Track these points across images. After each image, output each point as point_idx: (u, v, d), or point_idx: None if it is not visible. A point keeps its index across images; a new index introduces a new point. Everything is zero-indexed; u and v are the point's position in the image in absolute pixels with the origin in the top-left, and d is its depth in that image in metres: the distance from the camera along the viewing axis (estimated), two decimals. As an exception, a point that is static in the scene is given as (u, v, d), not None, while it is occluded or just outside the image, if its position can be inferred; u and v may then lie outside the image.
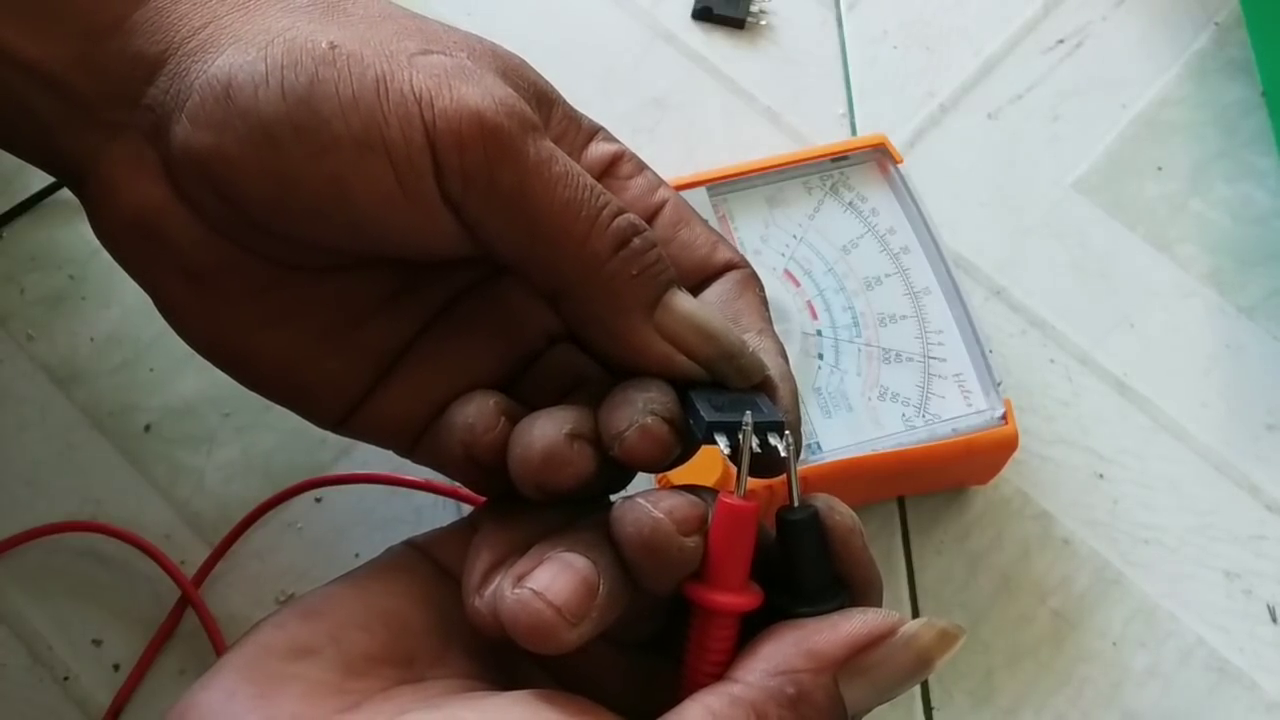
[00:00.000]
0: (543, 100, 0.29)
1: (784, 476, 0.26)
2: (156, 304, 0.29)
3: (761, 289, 0.31)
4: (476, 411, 0.27)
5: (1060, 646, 0.38)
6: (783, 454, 0.26)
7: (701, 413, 0.26)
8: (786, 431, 0.26)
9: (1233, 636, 0.38)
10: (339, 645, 0.25)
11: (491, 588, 0.25)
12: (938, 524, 0.40)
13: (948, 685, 0.37)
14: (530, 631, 0.24)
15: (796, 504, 0.26)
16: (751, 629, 0.25)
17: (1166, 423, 0.41)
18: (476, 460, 0.27)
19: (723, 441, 0.25)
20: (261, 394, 0.30)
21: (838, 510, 0.26)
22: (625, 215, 0.27)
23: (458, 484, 0.37)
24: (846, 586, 0.26)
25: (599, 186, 0.27)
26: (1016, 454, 0.38)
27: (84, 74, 0.26)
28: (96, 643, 0.37)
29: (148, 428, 0.40)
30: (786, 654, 0.24)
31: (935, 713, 0.37)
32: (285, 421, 0.40)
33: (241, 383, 0.30)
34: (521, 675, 0.27)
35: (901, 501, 0.40)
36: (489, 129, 0.25)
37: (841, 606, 0.25)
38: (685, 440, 0.26)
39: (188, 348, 0.41)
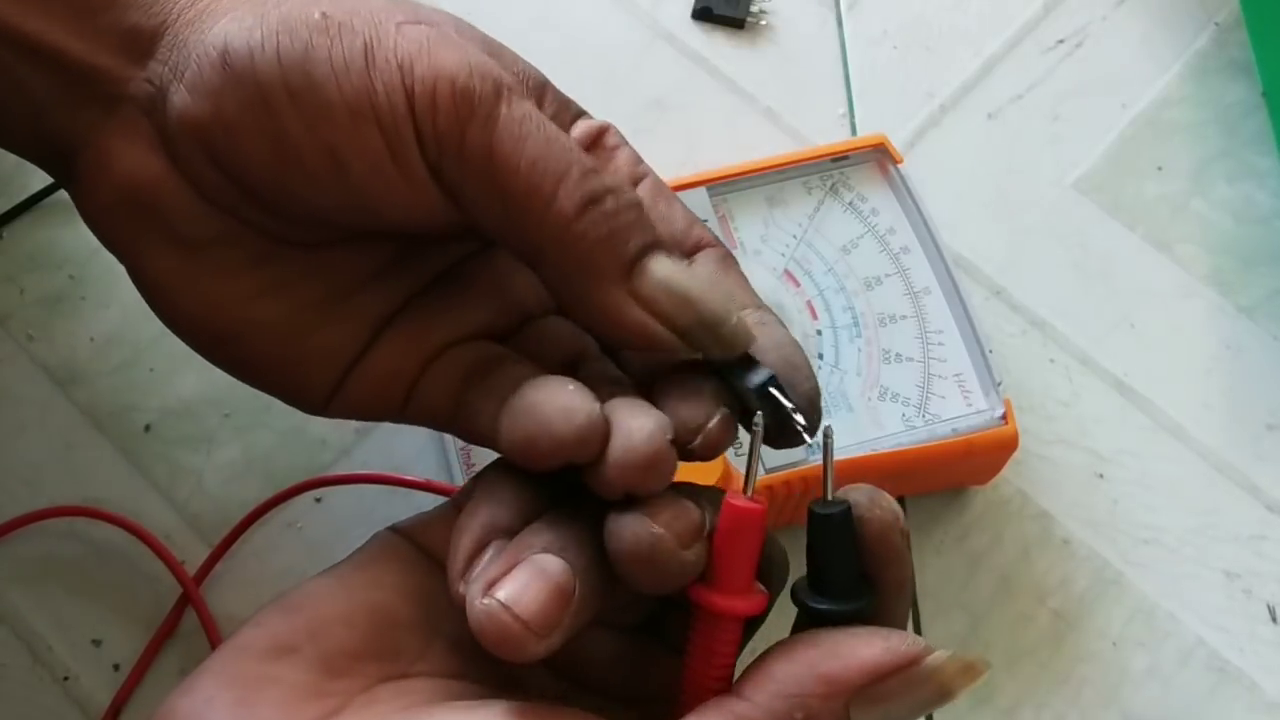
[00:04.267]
0: (532, 82, 0.29)
1: (811, 467, 0.26)
2: (140, 281, 0.28)
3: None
4: (588, 425, 0.24)
5: (1060, 646, 0.38)
6: (810, 442, 0.25)
7: (745, 376, 0.25)
8: (827, 424, 0.26)
9: (1233, 636, 0.38)
10: (318, 643, 0.25)
11: (476, 572, 0.24)
12: (938, 524, 0.40)
13: (947, 685, 0.37)
14: (497, 644, 0.23)
15: (830, 496, 0.25)
16: (752, 627, 0.25)
17: (1166, 423, 0.41)
18: (574, 464, 0.25)
19: (759, 416, 0.25)
20: (247, 376, 0.29)
21: (880, 504, 0.25)
22: (598, 176, 0.26)
23: (459, 483, 0.37)
24: (874, 585, 0.25)
25: (573, 145, 0.26)
26: (1016, 454, 0.38)
27: (80, 47, 0.26)
28: (96, 643, 0.37)
29: (148, 428, 0.40)
30: (799, 676, 0.23)
31: (935, 712, 0.37)
32: (285, 421, 0.40)
33: (226, 365, 0.29)
34: (508, 666, 0.26)
35: (901, 501, 0.40)
36: (460, 90, 0.25)
37: (866, 607, 0.24)
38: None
39: (188, 348, 0.41)
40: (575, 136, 0.29)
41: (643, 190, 0.29)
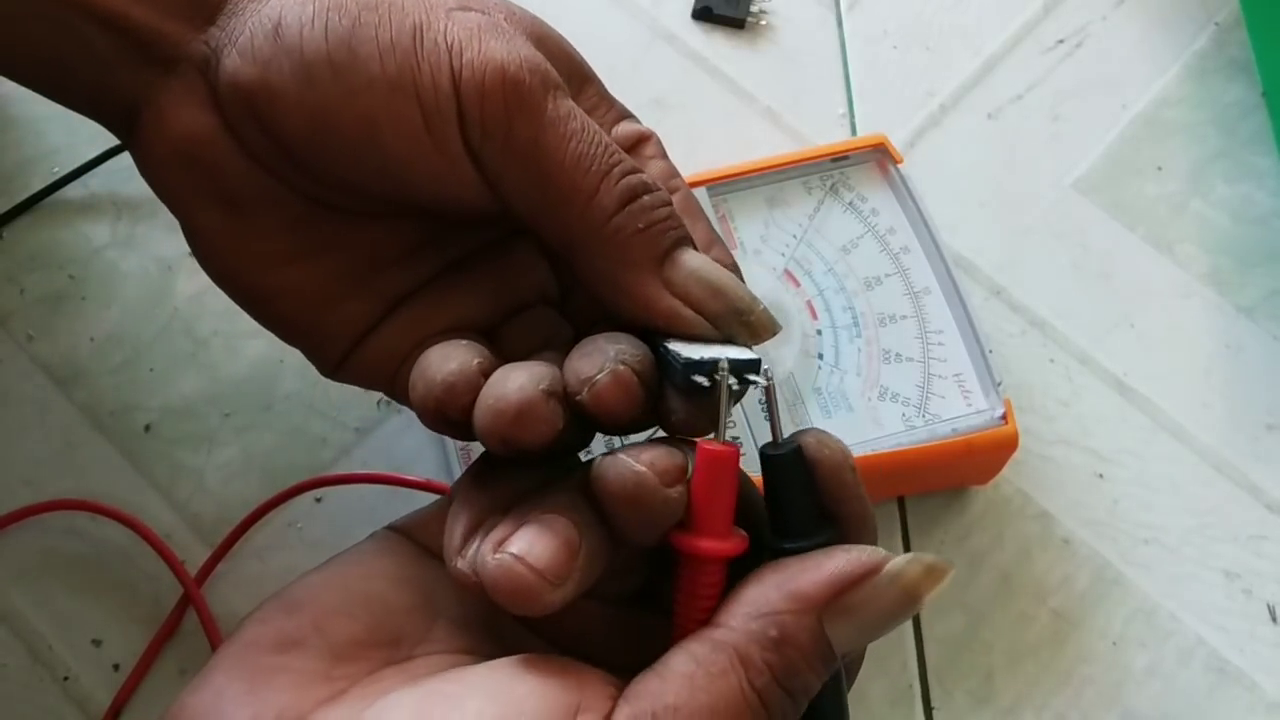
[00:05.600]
0: (575, 74, 0.30)
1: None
2: (188, 232, 0.30)
3: None
4: (459, 372, 0.26)
5: (1060, 646, 0.38)
6: (764, 383, 0.25)
7: (681, 353, 0.25)
8: (765, 368, 0.26)
9: (1233, 636, 0.38)
10: (323, 634, 0.25)
11: (473, 548, 0.25)
12: (938, 524, 0.40)
13: (948, 685, 0.37)
14: (513, 596, 0.24)
15: (780, 439, 0.26)
16: (740, 575, 0.25)
17: (1166, 423, 0.41)
18: (447, 417, 0.26)
19: (702, 379, 0.25)
20: (273, 329, 0.30)
21: (828, 444, 0.26)
22: (637, 174, 0.27)
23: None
24: (836, 522, 0.26)
25: (614, 146, 0.27)
26: (1016, 454, 0.38)
27: (144, 12, 0.28)
28: (96, 643, 0.37)
29: (148, 428, 0.40)
30: (768, 596, 0.24)
31: (935, 713, 0.37)
32: (285, 421, 0.40)
33: (256, 317, 0.30)
34: (509, 640, 0.27)
35: (901, 501, 0.40)
36: (510, 82, 0.26)
37: (828, 542, 0.25)
38: (652, 396, 0.26)
39: (188, 347, 0.42)
40: (618, 136, 0.31)
41: (673, 203, 0.30)
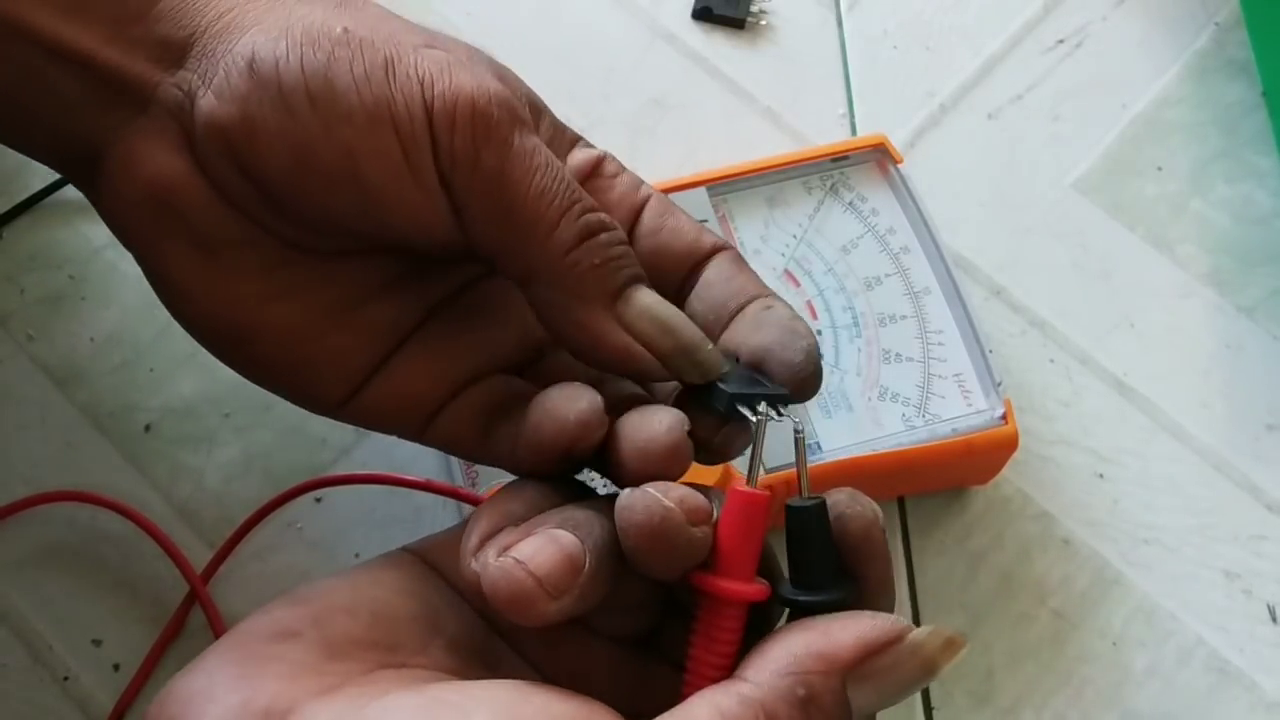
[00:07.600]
0: (531, 107, 0.30)
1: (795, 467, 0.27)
2: (157, 281, 0.29)
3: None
4: (590, 410, 0.27)
5: (1060, 646, 0.38)
6: (797, 429, 0.27)
7: (724, 387, 0.27)
8: (796, 420, 0.27)
9: (1233, 636, 0.38)
10: (321, 628, 0.25)
11: (486, 552, 0.25)
12: (938, 524, 0.40)
13: (948, 685, 0.37)
14: (510, 600, 0.24)
15: (805, 494, 0.26)
16: (756, 624, 0.26)
17: (1166, 423, 0.41)
18: (573, 455, 0.27)
19: (746, 411, 0.26)
20: (257, 376, 0.30)
21: (860, 501, 0.26)
22: (598, 213, 0.28)
23: (459, 484, 0.37)
24: (857, 580, 0.26)
25: (575, 183, 0.28)
26: (1016, 454, 0.38)
27: (112, 54, 0.27)
28: (96, 642, 0.37)
29: (148, 428, 0.40)
30: (797, 655, 0.24)
31: (935, 713, 0.37)
32: (285, 421, 0.40)
33: (237, 364, 0.30)
34: (505, 670, 0.27)
35: (901, 501, 0.40)
36: (479, 112, 0.27)
37: (845, 597, 0.25)
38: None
39: (188, 348, 0.41)
40: (574, 164, 0.31)
41: (652, 208, 0.31)
